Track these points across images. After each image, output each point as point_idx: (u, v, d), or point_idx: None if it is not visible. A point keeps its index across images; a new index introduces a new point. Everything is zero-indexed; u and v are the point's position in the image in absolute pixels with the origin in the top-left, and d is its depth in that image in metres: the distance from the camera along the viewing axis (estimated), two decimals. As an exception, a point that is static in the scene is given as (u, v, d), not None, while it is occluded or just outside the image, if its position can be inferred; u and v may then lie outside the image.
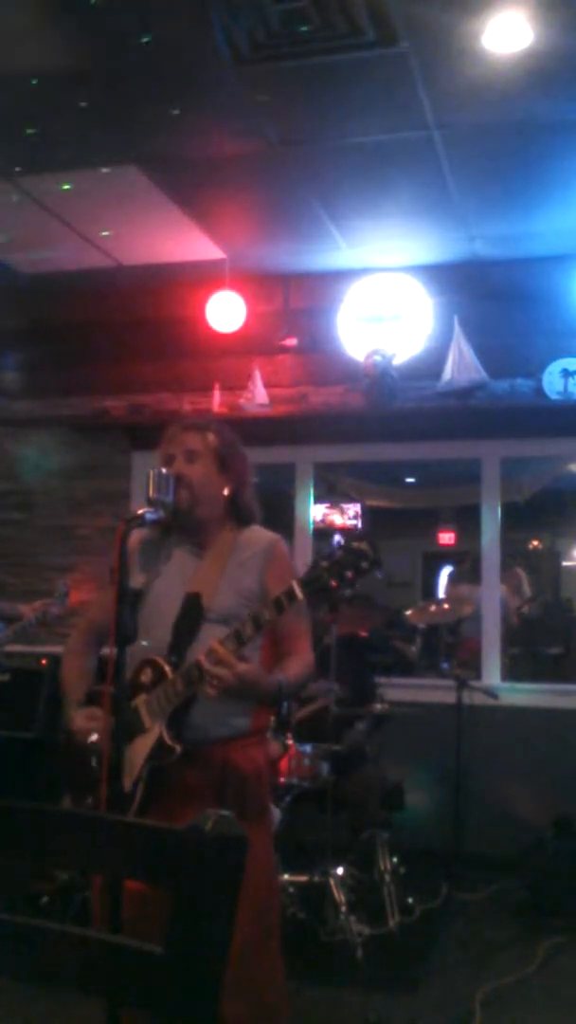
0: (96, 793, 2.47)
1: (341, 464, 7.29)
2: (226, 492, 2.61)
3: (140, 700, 2.44)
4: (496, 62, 3.67)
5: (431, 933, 4.34)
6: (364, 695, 4.87)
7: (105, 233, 5.34)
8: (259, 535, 2.64)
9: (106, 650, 2.34)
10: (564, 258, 5.41)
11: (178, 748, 2.39)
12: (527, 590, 7.96)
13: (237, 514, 2.64)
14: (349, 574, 2.21)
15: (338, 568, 2.21)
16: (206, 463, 2.59)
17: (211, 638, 2.39)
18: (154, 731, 2.41)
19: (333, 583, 2.22)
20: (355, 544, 2.22)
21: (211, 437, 2.63)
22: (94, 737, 2.46)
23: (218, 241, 5.39)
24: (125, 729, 2.29)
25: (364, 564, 2.21)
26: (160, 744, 2.40)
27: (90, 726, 2.49)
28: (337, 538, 2.31)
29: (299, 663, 2.55)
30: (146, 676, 2.45)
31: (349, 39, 3.53)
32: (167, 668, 2.44)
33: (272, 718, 4.33)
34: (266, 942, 2.48)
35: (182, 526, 2.56)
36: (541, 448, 5.96)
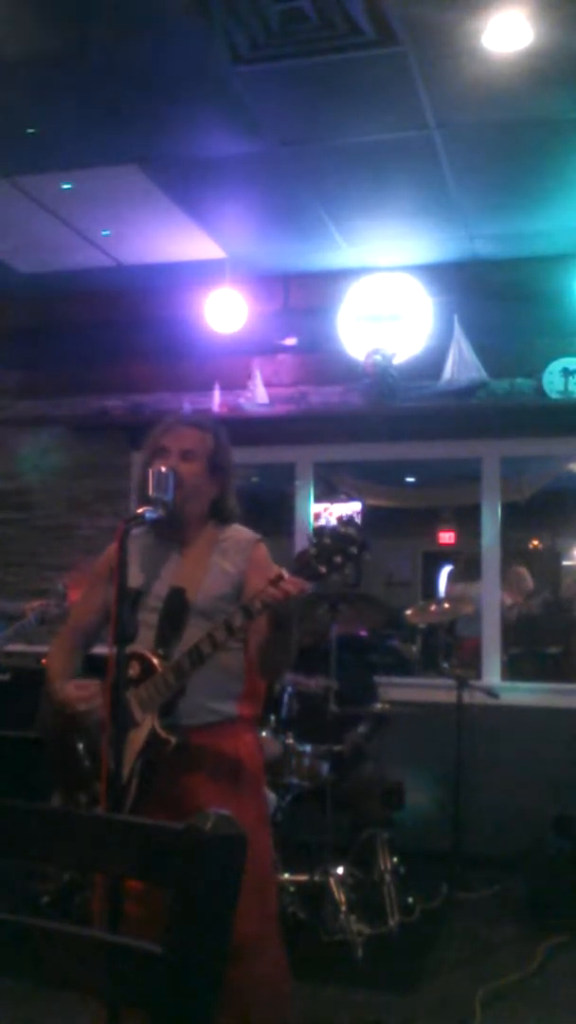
0: (88, 790, 2.48)
1: (341, 464, 7.29)
2: (212, 496, 2.63)
3: (130, 694, 2.44)
4: (496, 62, 3.66)
5: (431, 933, 4.34)
6: (364, 695, 4.87)
7: (105, 233, 5.34)
8: (240, 533, 2.66)
9: (102, 649, 2.34)
10: (564, 257, 5.40)
11: (172, 740, 2.40)
12: (529, 585, 7.94)
13: (219, 514, 2.66)
14: (338, 559, 2.20)
15: (326, 554, 2.20)
16: (200, 464, 2.60)
17: (196, 633, 2.41)
18: (146, 724, 2.42)
19: (322, 569, 2.21)
20: (342, 529, 2.21)
21: (209, 439, 2.64)
22: (83, 707, 2.48)
23: (218, 241, 5.39)
24: (120, 733, 2.29)
25: (352, 548, 2.20)
26: (153, 736, 2.41)
27: (81, 695, 2.50)
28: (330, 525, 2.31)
29: None
30: (134, 670, 2.45)
31: (348, 39, 3.53)
32: (156, 661, 2.45)
33: (272, 716, 4.34)
34: (270, 926, 2.49)
35: (167, 523, 2.55)
36: (541, 448, 5.96)
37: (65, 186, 4.77)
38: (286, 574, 2.24)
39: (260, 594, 2.28)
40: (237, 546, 2.61)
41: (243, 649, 2.55)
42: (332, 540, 2.21)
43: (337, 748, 4.34)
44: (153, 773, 2.42)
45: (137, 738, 2.42)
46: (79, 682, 2.56)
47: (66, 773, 2.59)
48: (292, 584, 2.21)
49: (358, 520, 2.27)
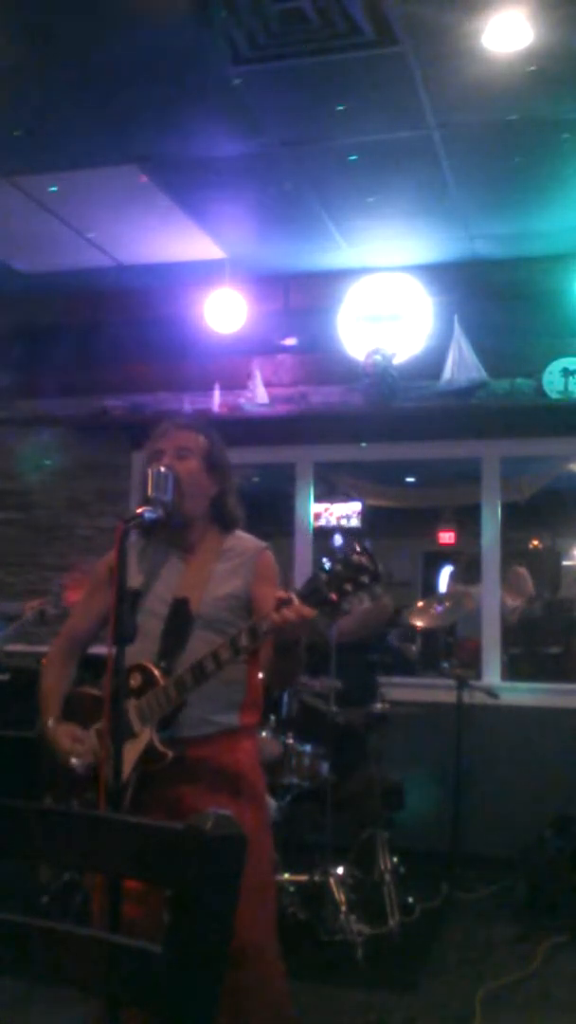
0: (82, 797, 2.47)
1: (341, 464, 7.29)
2: (212, 495, 2.62)
3: (130, 705, 2.41)
4: (496, 62, 3.66)
5: (431, 933, 4.34)
6: (365, 694, 4.87)
7: (104, 233, 5.34)
8: (246, 542, 2.63)
9: (101, 649, 2.33)
10: (564, 257, 5.40)
11: (169, 754, 2.38)
12: (530, 587, 7.94)
13: (221, 518, 2.64)
14: (348, 587, 2.17)
15: (337, 581, 2.17)
16: (196, 461, 2.59)
17: (200, 644, 2.40)
18: (143, 736, 2.40)
19: (333, 596, 2.17)
20: (355, 557, 2.17)
21: (202, 439, 2.63)
22: (75, 762, 2.47)
23: (218, 241, 5.39)
24: (119, 733, 2.28)
25: (364, 578, 2.16)
26: (150, 749, 2.40)
27: (75, 748, 2.49)
28: (339, 542, 2.28)
29: None
30: (135, 681, 2.43)
31: (348, 39, 3.53)
32: (157, 674, 2.43)
33: (272, 716, 4.34)
34: (270, 930, 2.49)
35: (168, 525, 2.52)
36: (541, 448, 5.97)
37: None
38: (295, 599, 2.21)
39: (267, 618, 2.25)
40: (242, 555, 2.58)
41: (247, 660, 2.54)
42: (344, 567, 2.17)
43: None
44: (149, 784, 2.41)
45: (134, 749, 2.40)
46: (73, 731, 2.53)
47: (57, 778, 2.58)
48: (297, 611, 2.19)
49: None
